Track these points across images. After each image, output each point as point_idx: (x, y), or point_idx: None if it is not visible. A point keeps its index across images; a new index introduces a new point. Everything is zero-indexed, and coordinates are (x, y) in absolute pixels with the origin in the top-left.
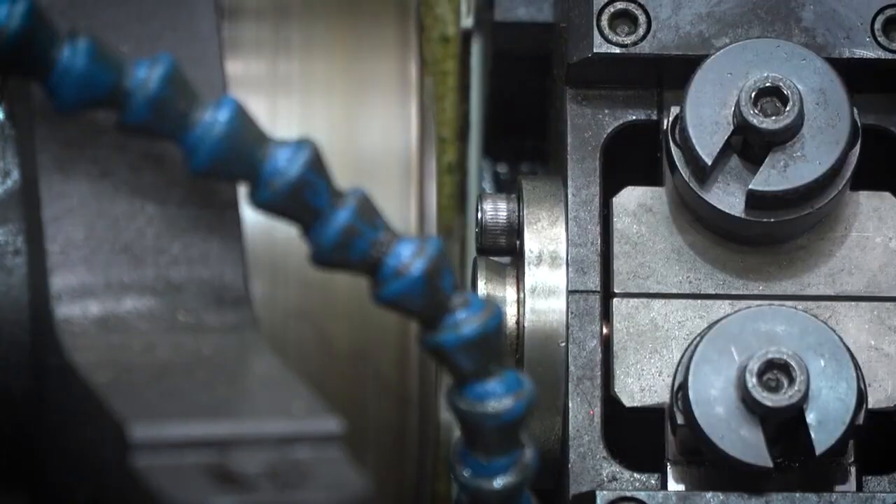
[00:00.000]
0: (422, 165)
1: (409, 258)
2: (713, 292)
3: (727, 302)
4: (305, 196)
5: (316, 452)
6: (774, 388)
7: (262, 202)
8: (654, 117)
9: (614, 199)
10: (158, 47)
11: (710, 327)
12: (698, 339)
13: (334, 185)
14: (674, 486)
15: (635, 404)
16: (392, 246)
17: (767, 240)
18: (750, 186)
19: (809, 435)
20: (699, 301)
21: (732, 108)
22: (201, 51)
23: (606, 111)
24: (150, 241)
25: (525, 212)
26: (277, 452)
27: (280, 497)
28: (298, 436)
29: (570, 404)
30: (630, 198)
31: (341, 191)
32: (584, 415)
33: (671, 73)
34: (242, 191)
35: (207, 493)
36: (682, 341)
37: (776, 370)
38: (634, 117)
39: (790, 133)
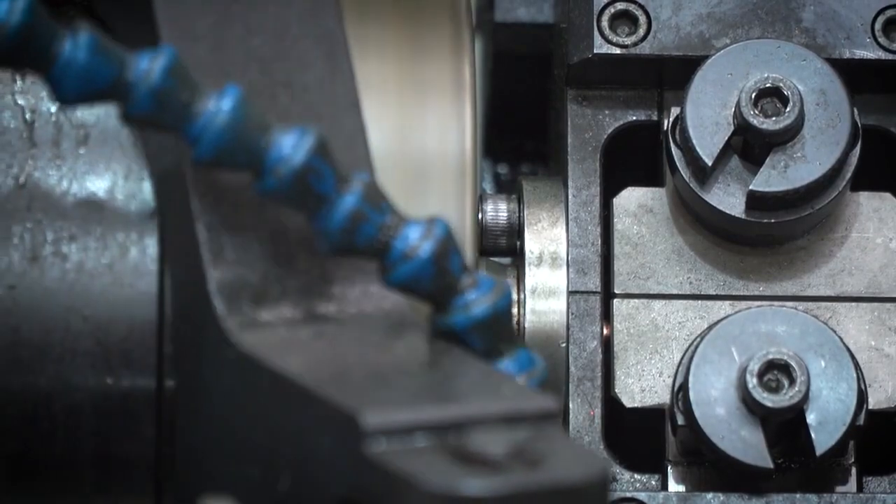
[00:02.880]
0: (476, 166)
1: (417, 240)
2: (713, 293)
3: (727, 302)
4: (311, 182)
5: (539, 431)
6: (775, 389)
7: (268, 190)
8: (655, 118)
9: (615, 200)
10: (287, 39)
11: (710, 328)
12: (699, 339)
13: (340, 170)
14: (674, 486)
15: (636, 405)
16: (399, 229)
17: (768, 240)
18: (750, 187)
19: (810, 435)
20: (699, 302)
21: (733, 109)
22: (329, 44)
23: (607, 112)
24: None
25: (525, 212)
26: (510, 432)
27: (534, 476)
28: (523, 415)
29: (571, 405)
30: (630, 198)
31: (346, 176)
32: (584, 415)
33: (671, 74)
34: None
35: (457, 476)
36: (683, 342)
37: (777, 371)
38: (635, 118)
39: (790, 134)
